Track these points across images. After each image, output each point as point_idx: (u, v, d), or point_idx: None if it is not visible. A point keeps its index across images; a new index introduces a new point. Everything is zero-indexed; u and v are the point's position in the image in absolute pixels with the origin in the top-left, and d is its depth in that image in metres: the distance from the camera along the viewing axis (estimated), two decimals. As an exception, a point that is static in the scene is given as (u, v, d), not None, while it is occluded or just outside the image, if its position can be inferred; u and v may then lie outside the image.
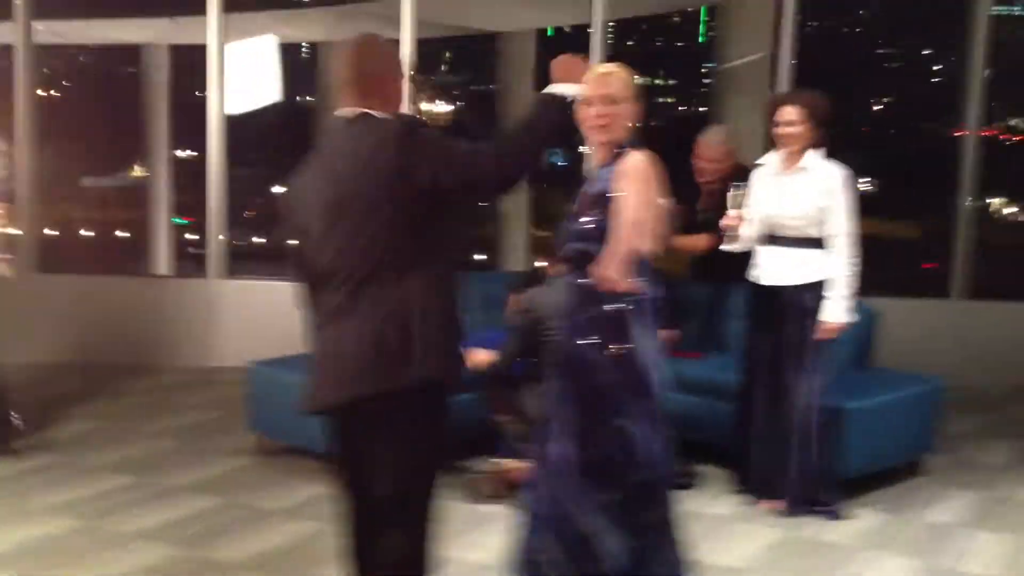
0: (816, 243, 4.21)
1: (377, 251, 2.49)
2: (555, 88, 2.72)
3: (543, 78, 2.78)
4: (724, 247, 4.31)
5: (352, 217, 2.50)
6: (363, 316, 2.54)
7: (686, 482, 4.57)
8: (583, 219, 3.02)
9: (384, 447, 2.65)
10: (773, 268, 4.27)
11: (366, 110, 2.58)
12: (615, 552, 3.00)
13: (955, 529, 4.24)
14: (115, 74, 14.44)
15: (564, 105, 2.65)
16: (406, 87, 2.67)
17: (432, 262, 2.52)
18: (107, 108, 12.84)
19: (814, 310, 4.18)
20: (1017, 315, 7.06)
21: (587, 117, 3.05)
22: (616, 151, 3.04)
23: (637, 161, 2.98)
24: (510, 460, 4.49)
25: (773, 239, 4.29)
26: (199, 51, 7.21)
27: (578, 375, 3.02)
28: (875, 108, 7.39)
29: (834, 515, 4.28)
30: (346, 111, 2.59)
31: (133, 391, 6.38)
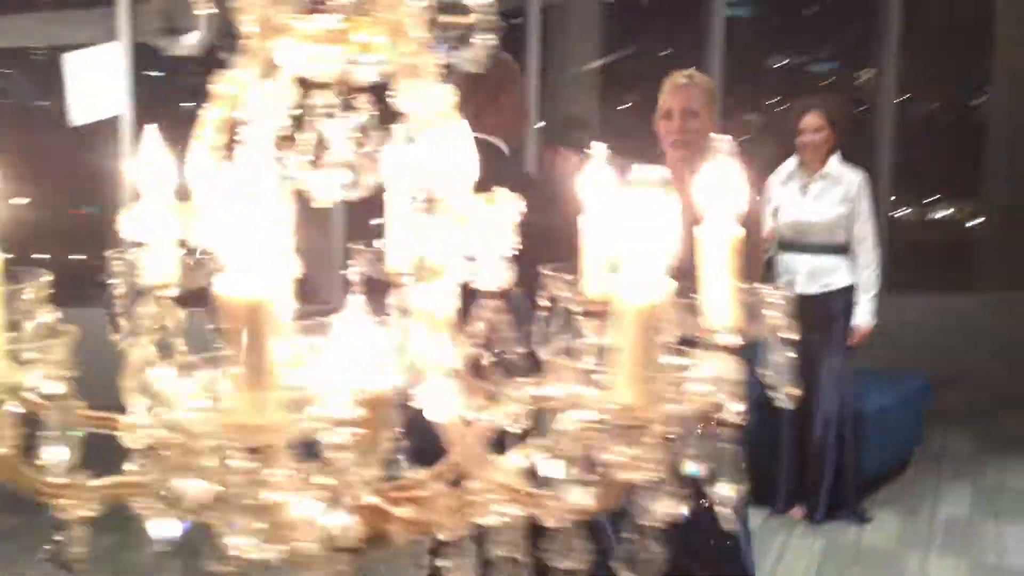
0: (840, 248, 4.20)
1: None
2: None
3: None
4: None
5: None
6: None
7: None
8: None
9: None
10: (800, 275, 4.22)
11: (479, 135, 2.38)
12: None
13: (977, 523, 4.33)
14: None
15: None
16: (523, 104, 2.47)
17: None
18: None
19: (842, 315, 4.17)
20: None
21: (666, 132, 2.85)
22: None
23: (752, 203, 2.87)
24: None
25: (797, 246, 4.24)
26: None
27: None
28: (618, 108, 7.69)
29: (860, 518, 4.30)
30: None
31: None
